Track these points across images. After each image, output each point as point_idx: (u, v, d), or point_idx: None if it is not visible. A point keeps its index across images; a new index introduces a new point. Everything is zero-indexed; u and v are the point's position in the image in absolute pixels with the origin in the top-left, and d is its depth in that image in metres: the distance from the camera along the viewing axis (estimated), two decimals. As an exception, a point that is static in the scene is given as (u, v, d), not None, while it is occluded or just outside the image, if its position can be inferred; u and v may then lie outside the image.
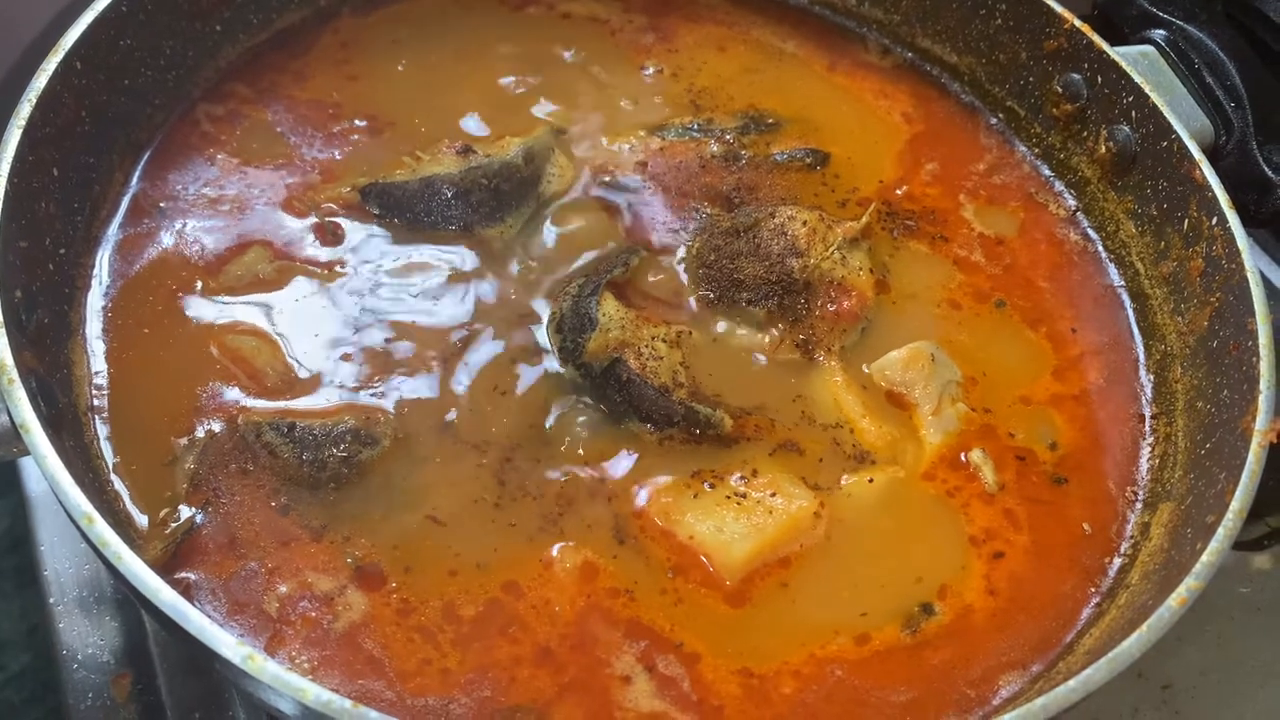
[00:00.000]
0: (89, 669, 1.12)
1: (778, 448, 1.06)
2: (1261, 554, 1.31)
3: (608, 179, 1.23)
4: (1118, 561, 1.04)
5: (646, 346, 1.07)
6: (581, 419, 1.05)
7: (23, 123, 0.99)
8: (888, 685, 0.95)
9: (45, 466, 0.83)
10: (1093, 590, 1.02)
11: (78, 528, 0.82)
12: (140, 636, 1.13)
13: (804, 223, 1.15)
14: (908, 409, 1.10)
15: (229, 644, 0.77)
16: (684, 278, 1.16)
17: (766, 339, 1.13)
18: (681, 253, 1.18)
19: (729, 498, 1.01)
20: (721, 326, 1.14)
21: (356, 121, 1.23)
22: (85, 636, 1.14)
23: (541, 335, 1.10)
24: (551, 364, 1.08)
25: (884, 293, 1.18)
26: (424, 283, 1.12)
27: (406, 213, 1.16)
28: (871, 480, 1.05)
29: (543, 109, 1.29)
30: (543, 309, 1.11)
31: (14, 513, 1.31)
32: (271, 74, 1.27)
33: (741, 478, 1.03)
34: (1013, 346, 1.18)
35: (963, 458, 1.08)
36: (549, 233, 1.19)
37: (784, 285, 1.13)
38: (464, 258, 1.15)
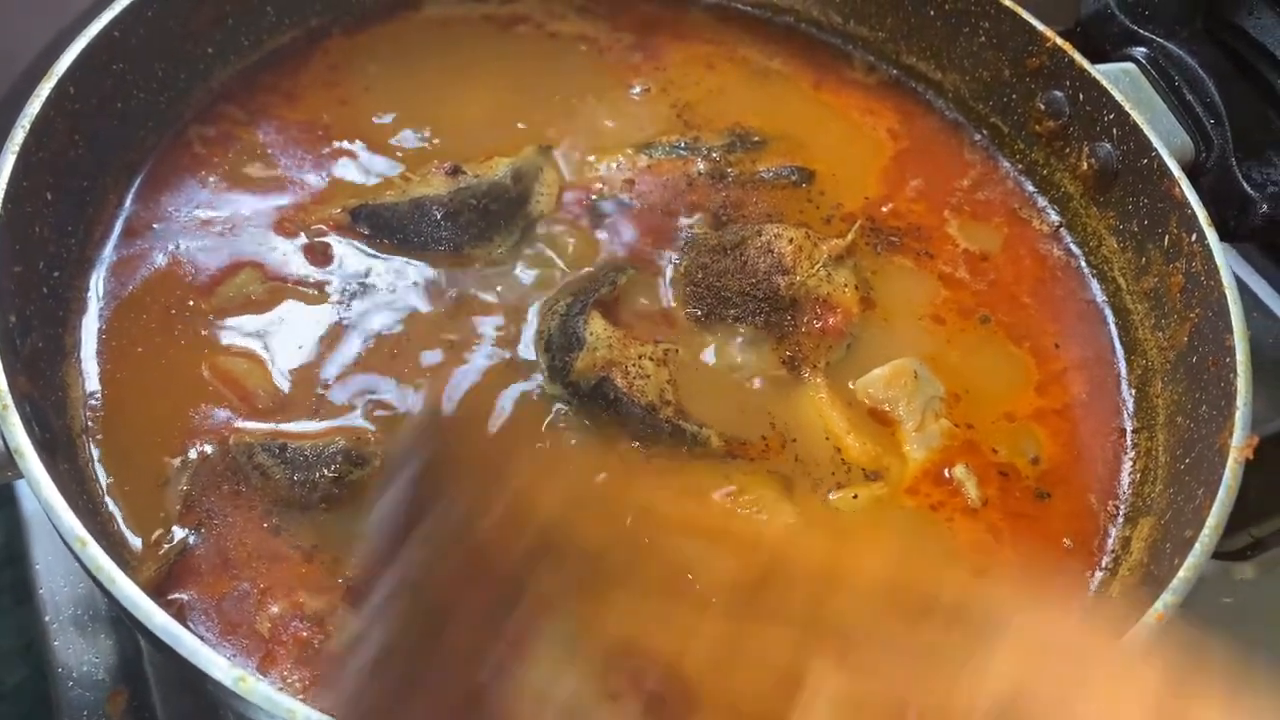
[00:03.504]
0: (84, 686, 1.13)
1: (763, 465, 1.07)
2: (1244, 564, 1.32)
3: (595, 197, 1.25)
4: (1099, 576, 1.05)
5: (634, 365, 1.08)
6: (569, 437, 1.07)
7: (17, 148, 1.00)
8: (872, 700, 0.96)
9: (40, 491, 0.84)
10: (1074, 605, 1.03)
11: (71, 551, 0.83)
12: (135, 654, 1.14)
13: (790, 240, 1.17)
14: (891, 425, 1.11)
15: (221, 666, 0.78)
16: (671, 296, 1.18)
17: (753, 356, 1.14)
18: (669, 271, 1.19)
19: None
20: (708, 344, 1.15)
21: (346, 143, 1.25)
22: (80, 654, 1.15)
23: (530, 354, 1.11)
24: (539, 382, 1.09)
25: (869, 309, 1.19)
26: (414, 303, 1.13)
27: (396, 234, 1.17)
28: (856, 497, 1.06)
29: (531, 128, 1.30)
30: (529, 329, 1.13)
31: (9, 529, 1.32)
32: (263, 95, 1.28)
33: (728, 494, 1.04)
34: (996, 362, 1.19)
35: (946, 473, 1.09)
36: (537, 252, 1.20)
37: (770, 302, 1.14)
38: (454, 278, 1.16)
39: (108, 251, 1.13)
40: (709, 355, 1.14)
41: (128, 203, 1.17)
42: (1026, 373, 1.18)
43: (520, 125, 1.30)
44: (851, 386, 1.13)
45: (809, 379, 1.13)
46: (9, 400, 0.87)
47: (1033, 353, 1.20)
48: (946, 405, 1.13)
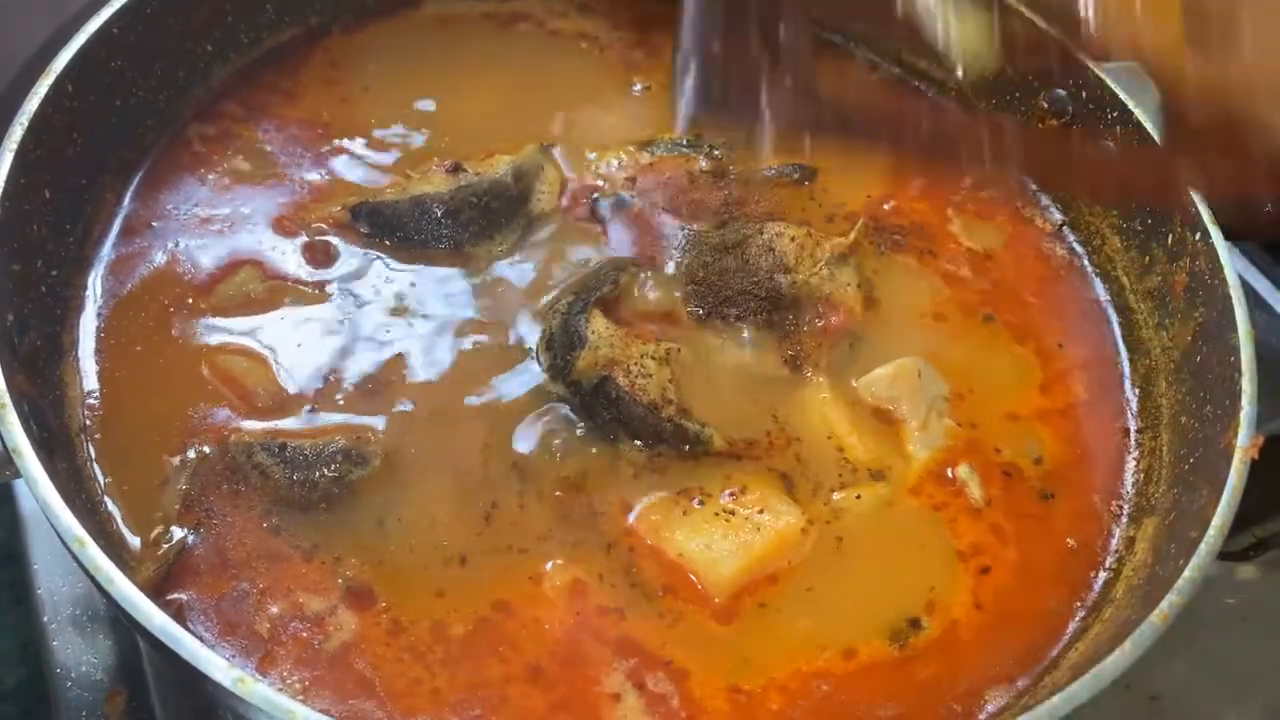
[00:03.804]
0: (83, 687, 1.13)
1: (766, 464, 1.07)
2: (1247, 564, 1.32)
3: (596, 195, 1.24)
4: (1102, 576, 1.05)
5: (635, 364, 1.07)
6: (571, 436, 1.06)
7: (14, 146, 1.00)
8: (875, 700, 0.96)
9: (38, 490, 0.83)
10: (1078, 605, 1.03)
11: (70, 551, 0.83)
12: (134, 654, 1.14)
13: (792, 239, 1.16)
14: (895, 425, 1.11)
15: (220, 667, 0.78)
16: (673, 294, 1.17)
17: (755, 355, 1.13)
18: (670, 269, 1.19)
19: (717, 515, 1.02)
20: (711, 343, 1.14)
21: (346, 141, 1.24)
22: (79, 654, 1.14)
23: (531, 353, 1.11)
24: (541, 382, 1.09)
25: (872, 308, 1.18)
26: (414, 302, 1.13)
27: (397, 232, 1.16)
28: (859, 496, 1.06)
29: (532, 126, 1.29)
30: (532, 326, 1.12)
31: (7, 529, 1.32)
32: (263, 93, 1.28)
33: (730, 494, 1.03)
34: (1000, 361, 1.18)
35: (950, 473, 1.09)
36: (538, 250, 1.19)
37: (772, 301, 1.14)
38: (454, 276, 1.15)
39: (106, 250, 1.13)
40: (711, 354, 1.13)
41: (126, 201, 1.17)
42: (1030, 372, 1.18)
43: (521, 123, 1.29)
44: (855, 385, 1.13)
45: (811, 378, 1.12)
46: (7, 399, 0.87)
47: (1036, 352, 1.19)
48: (950, 405, 1.13)
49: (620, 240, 1.21)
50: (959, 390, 1.14)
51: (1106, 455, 1.13)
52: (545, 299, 1.15)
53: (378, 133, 1.26)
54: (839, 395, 1.12)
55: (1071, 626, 1.02)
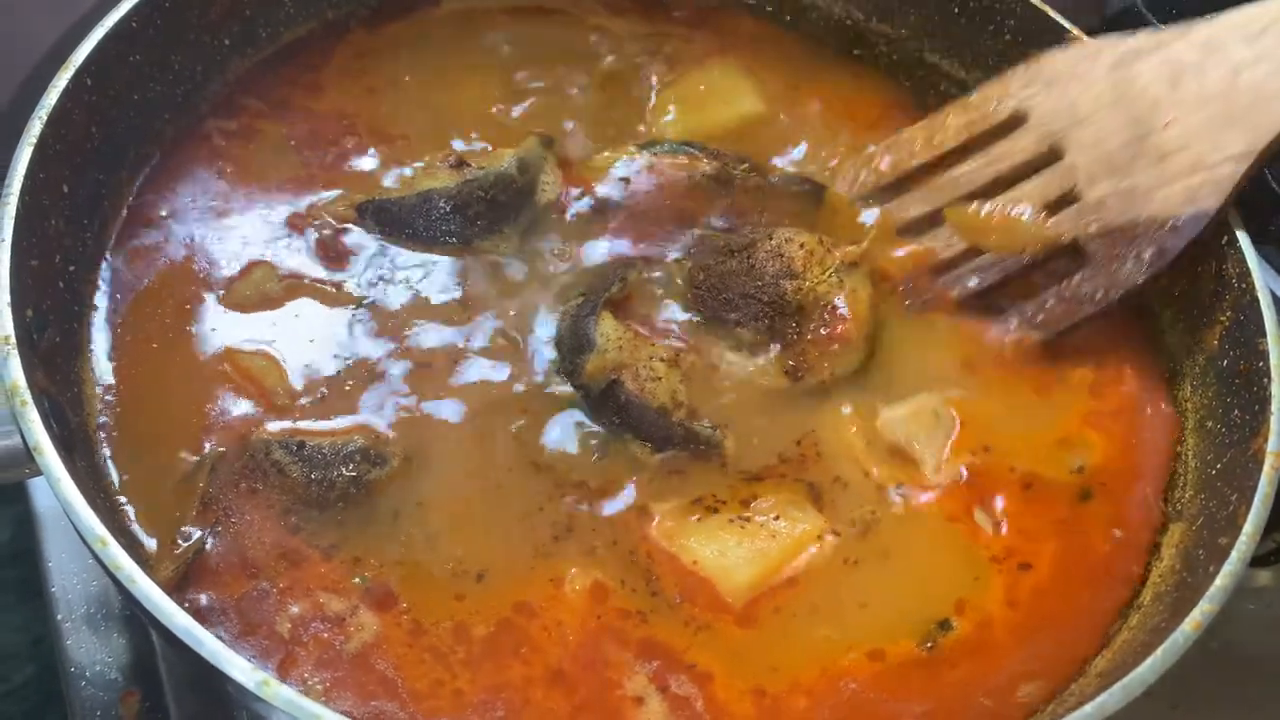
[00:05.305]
0: (97, 686, 1.12)
1: (789, 475, 1.05)
2: (1268, 570, 1.31)
3: (604, 193, 1.22)
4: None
5: (644, 367, 1.06)
6: (584, 439, 1.05)
7: (34, 140, 0.99)
8: (902, 698, 0.95)
9: (59, 489, 0.83)
10: (1104, 611, 1.02)
11: (91, 550, 0.82)
12: (148, 653, 1.13)
13: (801, 245, 1.14)
14: (911, 461, 1.08)
15: (244, 669, 0.77)
16: (675, 296, 1.15)
17: (754, 362, 1.12)
18: (676, 271, 1.17)
19: (731, 521, 1.00)
20: (717, 348, 1.12)
21: (362, 137, 1.23)
22: (93, 653, 1.14)
23: (541, 353, 1.10)
24: (553, 383, 1.08)
25: (885, 315, 1.16)
26: (426, 299, 1.12)
27: (405, 228, 1.15)
28: (880, 504, 1.04)
29: (545, 122, 1.28)
30: (542, 325, 1.11)
31: (18, 524, 1.31)
32: (280, 88, 1.27)
33: (745, 501, 1.02)
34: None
35: (963, 474, 1.07)
36: (546, 244, 1.18)
37: (776, 307, 1.11)
38: (464, 271, 1.14)
39: (123, 245, 1.12)
40: (718, 359, 1.12)
41: (144, 196, 1.16)
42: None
43: (536, 119, 1.28)
44: (878, 425, 1.10)
45: (827, 388, 1.10)
46: (28, 396, 0.86)
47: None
48: (969, 408, 1.11)
49: (626, 238, 1.19)
50: (978, 394, 1.13)
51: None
52: (554, 294, 1.13)
53: (393, 128, 1.25)
54: (855, 416, 1.09)
55: (1097, 634, 1.01)
